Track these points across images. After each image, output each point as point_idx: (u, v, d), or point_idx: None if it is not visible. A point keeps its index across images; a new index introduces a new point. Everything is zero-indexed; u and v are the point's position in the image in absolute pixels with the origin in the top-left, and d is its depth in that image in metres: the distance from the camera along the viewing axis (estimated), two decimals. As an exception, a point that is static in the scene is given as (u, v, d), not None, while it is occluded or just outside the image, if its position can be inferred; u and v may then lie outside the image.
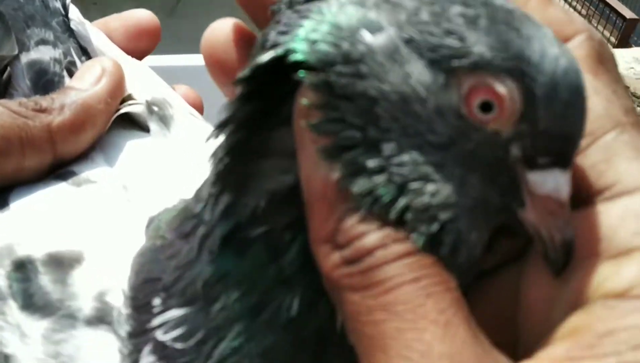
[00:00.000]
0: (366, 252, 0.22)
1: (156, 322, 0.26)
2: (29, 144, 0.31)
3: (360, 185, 0.22)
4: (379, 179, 0.22)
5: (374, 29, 0.22)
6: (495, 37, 0.21)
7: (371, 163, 0.21)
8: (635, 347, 0.19)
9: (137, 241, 0.29)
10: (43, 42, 0.36)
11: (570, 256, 0.22)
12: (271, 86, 0.23)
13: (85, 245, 0.29)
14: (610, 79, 0.24)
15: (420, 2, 0.22)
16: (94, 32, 0.38)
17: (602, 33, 3.32)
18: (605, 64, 0.24)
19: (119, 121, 0.36)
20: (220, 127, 0.24)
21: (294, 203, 0.23)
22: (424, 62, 0.21)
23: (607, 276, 0.21)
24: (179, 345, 0.25)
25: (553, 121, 0.21)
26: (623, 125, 0.23)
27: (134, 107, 0.36)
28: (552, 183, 0.22)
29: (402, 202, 0.21)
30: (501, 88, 0.21)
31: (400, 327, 0.20)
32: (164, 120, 0.35)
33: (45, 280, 0.27)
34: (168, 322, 0.25)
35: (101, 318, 0.26)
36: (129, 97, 0.36)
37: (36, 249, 0.28)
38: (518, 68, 0.21)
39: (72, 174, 0.32)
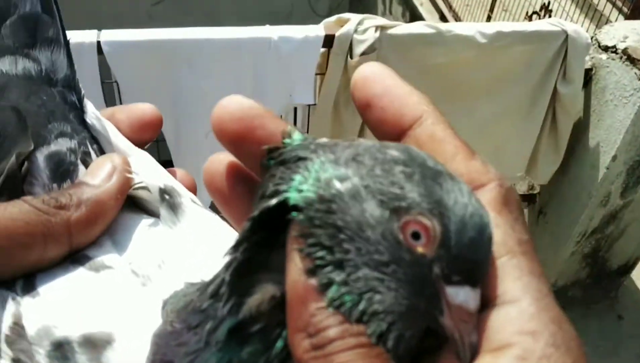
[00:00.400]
0: (329, 341, 0.29)
1: None
2: (50, 238, 0.35)
3: (332, 292, 0.29)
4: (344, 289, 0.29)
5: (343, 179, 0.30)
6: (423, 188, 0.29)
7: (338, 278, 0.29)
8: None
9: (156, 322, 0.33)
10: (62, 134, 0.39)
11: (474, 354, 0.29)
12: (271, 222, 0.31)
13: (113, 326, 0.33)
14: (511, 217, 0.32)
15: (375, 162, 0.30)
16: (107, 124, 0.41)
17: (614, 4, 3.23)
18: (509, 205, 0.32)
19: (127, 204, 0.39)
20: (234, 248, 0.31)
21: (284, 306, 0.30)
22: (375, 201, 0.30)
23: None
24: None
25: (462, 249, 0.29)
26: (514, 252, 0.31)
27: (143, 193, 0.39)
28: (463, 296, 0.29)
29: (360, 307, 0.29)
30: (427, 221, 0.29)
31: None
32: (174, 207, 0.39)
33: (82, 359, 0.31)
34: None
35: None
36: (137, 184, 0.39)
37: (71, 331, 0.32)
38: (438, 210, 0.29)
39: (86, 258, 0.36)
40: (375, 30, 2.03)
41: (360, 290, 0.29)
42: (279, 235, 0.31)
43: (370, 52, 2.03)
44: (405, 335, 0.30)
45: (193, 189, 0.43)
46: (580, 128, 2.37)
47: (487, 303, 0.30)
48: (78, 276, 0.35)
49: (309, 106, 2.22)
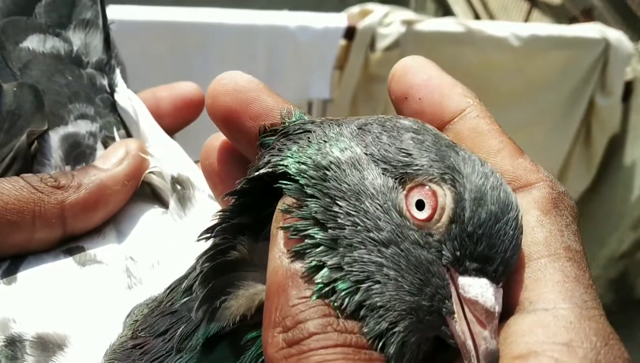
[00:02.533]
0: (307, 335, 0.24)
1: None
2: (40, 219, 0.33)
3: (321, 277, 0.25)
4: (337, 274, 0.25)
5: (344, 147, 0.27)
6: (435, 152, 0.27)
7: (330, 261, 0.25)
8: None
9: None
10: (82, 116, 0.38)
11: None
12: (259, 202, 0.28)
13: (72, 329, 0.30)
14: (560, 220, 0.28)
15: (382, 129, 0.28)
16: (139, 108, 0.40)
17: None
18: (560, 209, 0.28)
19: (143, 193, 0.37)
20: (210, 229, 0.28)
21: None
22: (378, 169, 0.27)
23: None
24: None
25: (480, 225, 0.25)
26: (558, 256, 0.27)
27: (156, 179, 0.37)
28: (479, 288, 0.25)
29: (357, 298, 0.25)
30: (435, 187, 0.26)
31: None
32: (183, 200, 0.37)
33: (30, 360, 0.29)
34: None
35: None
36: (151, 168, 0.38)
37: (28, 328, 0.30)
38: (451, 176, 0.26)
39: (80, 250, 0.34)
40: (401, 25, 1.90)
41: (356, 277, 0.25)
42: (265, 225, 0.28)
43: (394, 48, 1.89)
44: (410, 341, 0.25)
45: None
46: (616, 144, 2.23)
47: (514, 309, 0.26)
48: (61, 268, 0.33)
49: (325, 100, 2.11)
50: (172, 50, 1.90)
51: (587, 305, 0.25)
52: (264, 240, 0.28)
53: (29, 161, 0.37)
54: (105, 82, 0.42)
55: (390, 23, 1.90)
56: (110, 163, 0.36)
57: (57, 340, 0.30)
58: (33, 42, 0.39)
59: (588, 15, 3.08)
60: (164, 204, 0.38)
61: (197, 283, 0.28)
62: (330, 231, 0.26)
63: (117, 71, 0.42)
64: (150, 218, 0.37)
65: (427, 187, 0.26)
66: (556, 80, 2.11)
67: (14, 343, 0.30)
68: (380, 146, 0.27)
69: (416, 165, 0.26)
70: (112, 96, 0.41)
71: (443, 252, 0.25)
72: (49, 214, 0.33)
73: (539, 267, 0.26)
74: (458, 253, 0.25)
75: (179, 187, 0.37)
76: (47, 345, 0.30)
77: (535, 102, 2.16)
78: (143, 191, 0.38)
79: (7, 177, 0.34)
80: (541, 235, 0.27)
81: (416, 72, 0.32)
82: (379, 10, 1.93)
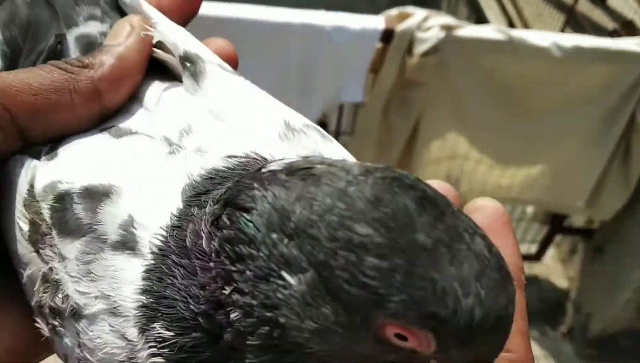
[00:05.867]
0: None
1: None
2: (77, 94, 0.35)
3: None
4: None
5: (297, 270, 0.24)
6: (409, 293, 0.22)
7: None
8: None
9: (170, 189, 0.31)
10: (91, 17, 0.41)
11: None
12: None
13: (116, 182, 0.32)
14: None
15: (335, 243, 0.23)
16: (142, 2, 0.42)
17: None
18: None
19: (154, 70, 0.39)
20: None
21: None
22: (337, 304, 0.23)
23: None
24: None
25: (468, 350, 0.23)
26: None
27: (166, 56, 0.40)
28: None
29: None
30: (417, 331, 0.23)
31: None
32: (195, 75, 0.38)
33: (78, 208, 0.31)
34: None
35: (125, 244, 0.30)
36: (163, 47, 0.40)
37: (74, 184, 0.32)
38: (431, 324, 0.22)
39: (115, 127, 0.36)
40: (441, 30, 1.83)
41: None
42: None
43: (432, 53, 1.83)
44: None
45: (234, 60, 0.43)
46: (656, 163, 2.14)
47: None
48: (99, 140, 0.36)
49: (356, 104, 2.05)
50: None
51: None
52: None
53: (55, 57, 0.40)
54: None
55: (430, 28, 1.84)
56: (120, 38, 0.38)
57: (103, 189, 0.32)
58: None
59: (629, 28, 2.99)
60: (177, 78, 0.39)
61: None
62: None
63: None
64: (169, 92, 0.38)
65: (407, 328, 0.23)
66: (597, 94, 2.04)
67: (62, 198, 0.32)
68: (334, 271, 0.23)
69: (389, 308, 0.22)
70: None
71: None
72: (84, 89, 0.36)
73: None
74: None
75: (188, 64, 0.38)
76: (94, 194, 0.32)
77: (574, 115, 2.09)
78: (156, 70, 0.40)
79: (37, 65, 0.37)
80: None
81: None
82: (418, 13, 1.87)
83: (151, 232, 0.30)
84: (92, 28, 0.41)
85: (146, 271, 0.29)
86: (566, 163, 2.20)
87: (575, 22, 3.43)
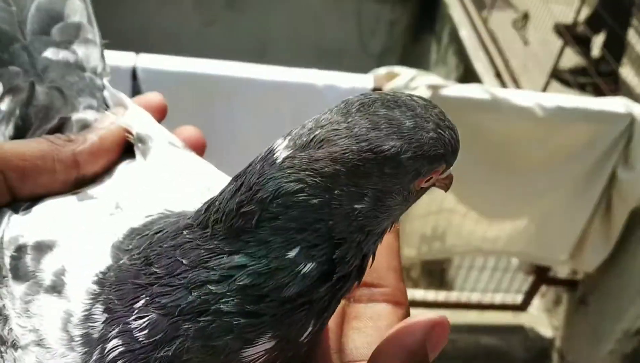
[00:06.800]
0: None
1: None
2: (59, 162, 0.43)
3: None
4: None
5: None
6: (429, 160, 0.32)
7: None
8: None
9: (95, 243, 0.39)
10: (89, 106, 0.50)
11: None
12: None
13: (61, 237, 0.39)
14: None
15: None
16: (122, 96, 0.52)
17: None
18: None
19: (127, 150, 0.48)
20: None
21: None
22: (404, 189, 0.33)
23: None
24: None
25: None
26: None
27: (132, 139, 0.48)
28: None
29: None
30: (438, 169, 0.34)
31: None
32: (144, 151, 0.47)
33: (28, 259, 0.38)
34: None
35: (54, 287, 0.36)
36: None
37: (30, 238, 0.39)
38: (441, 160, 0.33)
39: (83, 193, 0.44)
40: (427, 89, 1.90)
41: None
42: None
43: (419, 112, 1.89)
44: None
45: (201, 146, 0.52)
46: (637, 218, 2.20)
47: None
48: (64, 202, 0.43)
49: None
50: (200, 99, 1.90)
51: None
52: None
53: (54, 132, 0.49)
54: (101, 83, 0.53)
55: (417, 87, 1.90)
56: (105, 124, 0.47)
57: (48, 243, 0.39)
58: (50, 53, 0.52)
59: (611, 79, 3.08)
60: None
61: None
62: None
63: (107, 77, 0.54)
64: (129, 165, 0.47)
65: (433, 172, 0.34)
66: (579, 151, 2.10)
67: (20, 249, 0.39)
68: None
69: (423, 173, 0.33)
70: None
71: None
72: (65, 158, 0.43)
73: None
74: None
75: (140, 144, 0.47)
76: (41, 247, 0.39)
77: (557, 171, 2.15)
78: (129, 150, 0.49)
79: (34, 138, 0.46)
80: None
81: None
82: (405, 73, 1.93)
83: (76, 277, 0.37)
84: (89, 115, 0.49)
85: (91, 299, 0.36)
86: (550, 217, 2.25)
87: (559, 73, 3.53)
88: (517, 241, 2.25)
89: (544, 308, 2.83)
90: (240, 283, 0.31)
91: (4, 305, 0.37)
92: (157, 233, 0.37)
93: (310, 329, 0.33)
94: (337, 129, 0.31)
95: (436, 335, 0.34)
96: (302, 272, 0.31)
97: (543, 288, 2.73)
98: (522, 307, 2.71)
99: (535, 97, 2.02)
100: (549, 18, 4.07)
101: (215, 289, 0.31)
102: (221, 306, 0.31)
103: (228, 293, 0.31)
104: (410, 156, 0.31)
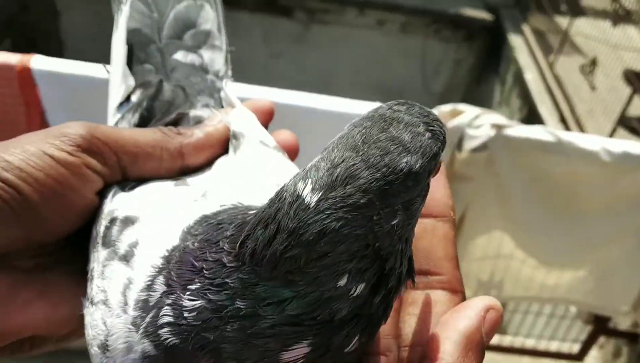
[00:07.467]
0: None
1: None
2: (165, 151, 0.48)
3: None
4: None
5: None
6: (428, 157, 0.35)
7: None
8: None
9: (175, 224, 0.42)
10: (206, 105, 0.55)
11: None
12: None
13: (143, 215, 0.43)
14: None
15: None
16: (233, 99, 0.57)
17: None
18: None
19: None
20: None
21: None
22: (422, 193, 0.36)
23: None
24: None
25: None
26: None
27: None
28: None
29: None
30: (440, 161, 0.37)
31: None
32: (236, 147, 0.51)
33: (115, 229, 0.43)
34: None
35: (125, 257, 0.41)
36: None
37: (121, 212, 0.44)
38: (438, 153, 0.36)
39: (181, 180, 0.48)
40: (491, 128, 1.89)
41: None
42: None
43: (482, 150, 1.89)
44: None
45: (294, 150, 0.56)
46: None
47: None
48: (162, 185, 0.47)
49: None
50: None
51: None
52: None
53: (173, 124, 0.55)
54: (221, 85, 0.58)
55: (481, 126, 1.90)
56: (213, 122, 0.52)
57: (132, 219, 0.43)
58: (179, 56, 0.58)
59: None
60: None
61: None
62: None
63: (229, 80, 0.60)
64: (223, 159, 0.51)
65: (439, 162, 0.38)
66: (645, 199, 2.04)
67: (112, 221, 0.44)
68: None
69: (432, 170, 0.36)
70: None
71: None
72: (172, 149, 0.48)
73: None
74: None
75: (234, 140, 0.51)
76: (126, 221, 0.43)
77: (621, 218, 2.08)
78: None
79: (151, 127, 0.51)
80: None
81: None
82: (470, 111, 1.93)
83: (145, 251, 0.41)
84: (204, 112, 0.55)
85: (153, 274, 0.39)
86: (612, 266, 2.18)
87: (627, 121, 3.45)
88: (577, 289, 2.19)
89: (602, 360, 2.73)
90: (292, 313, 0.33)
91: (93, 267, 0.43)
92: (218, 223, 0.39)
93: (356, 340, 0.35)
94: (355, 164, 0.33)
95: (491, 318, 0.35)
96: (354, 295, 0.34)
97: (602, 339, 2.63)
98: (578, 357, 2.62)
99: (601, 142, 1.98)
100: (618, 64, 4.00)
101: (264, 313, 0.33)
102: (267, 322, 0.33)
103: (275, 316, 0.33)
104: (421, 164, 0.34)
